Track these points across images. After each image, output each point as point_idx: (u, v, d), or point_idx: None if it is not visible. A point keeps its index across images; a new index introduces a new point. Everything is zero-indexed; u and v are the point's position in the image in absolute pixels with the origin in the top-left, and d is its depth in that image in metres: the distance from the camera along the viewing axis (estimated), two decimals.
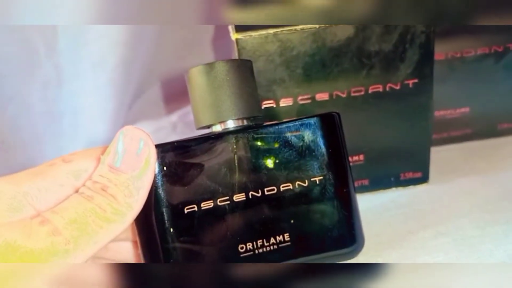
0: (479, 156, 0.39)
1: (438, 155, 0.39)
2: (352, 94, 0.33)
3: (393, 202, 0.34)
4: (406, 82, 0.33)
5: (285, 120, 0.27)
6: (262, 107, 0.32)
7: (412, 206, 0.33)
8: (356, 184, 0.35)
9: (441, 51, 0.39)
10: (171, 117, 0.51)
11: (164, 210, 0.25)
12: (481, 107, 0.41)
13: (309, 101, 0.33)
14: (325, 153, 0.27)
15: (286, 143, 0.27)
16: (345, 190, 0.27)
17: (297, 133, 0.27)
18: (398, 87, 0.33)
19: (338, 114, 0.28)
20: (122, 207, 0.23)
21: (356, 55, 0.32)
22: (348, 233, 0.27)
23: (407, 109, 0.34)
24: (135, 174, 0.23)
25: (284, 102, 0.33)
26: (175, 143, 0.25)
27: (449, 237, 0.29)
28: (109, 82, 0.44)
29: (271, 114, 0.33)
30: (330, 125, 0.27)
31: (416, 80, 0.33)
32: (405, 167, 0.36)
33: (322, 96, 0.33)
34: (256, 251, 0.26)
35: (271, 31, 0.31)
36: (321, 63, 0.32)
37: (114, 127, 0.46)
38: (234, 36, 0.31)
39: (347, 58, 0.32)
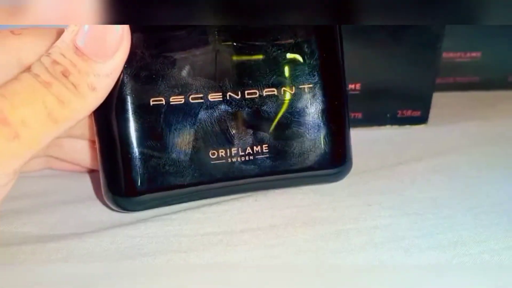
0: (484, 104, 0.36)
1: (441, 99, 0.36)
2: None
3: (386, 137, 0.31)
4: None
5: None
6: None
7: (408, 142, 0.30)
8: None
9: None
10: None
11: (128, 100, 0.22)
12: (493, 54, 0.37)
13: None
14: (318, 58, 0.23)
15: (276, 44, 0.23)
16: (336, 103, 0.24)
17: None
18: None
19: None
20: (82, 102, 0.19)
21: None
22: (335, 152, 0.24)
23: (415, 43, 0.30)
24: (104, 63, 0.20)
25: None
26: (146, 28, 0.22)
27: (443, 174, 0.27)
28: None
29: None
30: (328, 32, 0.24)
31: None
32: (404, 104, 0.32)
33: None
34: (229, 160, 0.23)
35: None
36: None
37: None
38: None
39: None
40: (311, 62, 0.23)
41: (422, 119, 0.33)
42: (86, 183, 0.26)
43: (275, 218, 0.23)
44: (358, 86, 0.32)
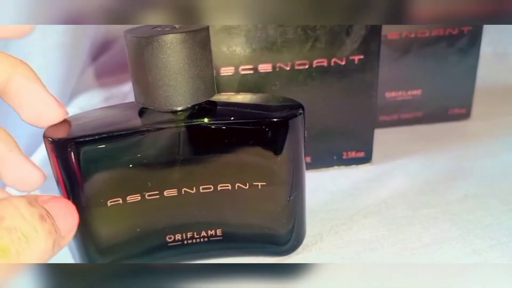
0: (426, 140, 0.39)
1: (386, 136, 0.39)
2: (296, 67, 0.32)
3: (332, 180, 0.33)
4: (352, 57, 0.32)
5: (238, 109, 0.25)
6: None
7: (350, 185, 0.33)
8: None
9: (396, 30, 0.38)
10: (123, 87, 0.49)
11: (85, 204, 0.23)
12: (433, 90, 0.40)
13: (251, 71, 0.32)
14: (273, 158, 0.24)
15: (233, 139, 0.23)
16: (289, 199, 0.25)
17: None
18: (343, 63, 0.32)
19: (302, 108, 0.24)
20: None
21: (301, 26, 0.31)
22: (285, 236, 0.26)
23: (352, 86, 0.33)
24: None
25: (225, 72, 0.31)
26: (99, 136, 0.22)
27: (379, 216, 0.29)
28: (58, 45, 0.42)
29: None
30: (291, 125, 0.23)
31: (361, 57, 0.32)
32: (348, 145, 0.35)
33: (264, 68, 0.32)
34: (185, 242, 0.25)
35: None
36: (264, 32, 0.31)
37: (63, 94, 0.45)
38: None
39: (291, 29, 0.31)
40: (268, 160, 0.24)
41: (366, 159, 0.35)
42: None
43: None
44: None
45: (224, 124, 0.23)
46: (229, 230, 0.25)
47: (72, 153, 0.22)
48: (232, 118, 0.23)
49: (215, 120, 0.23)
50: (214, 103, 0.25)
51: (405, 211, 0.29)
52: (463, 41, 0.39)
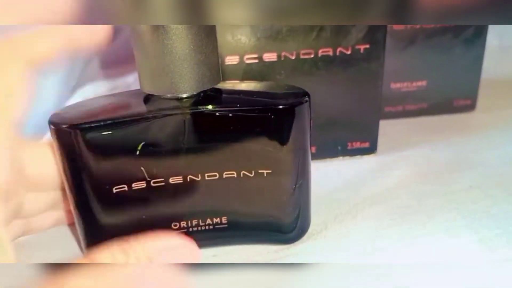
0: (431, 131, 0.38)
1: (391, 127, 0.39)
2: (301, 57, 0.32)
3: (337, 170, 0.33)
4: (357, 47, 0.32)
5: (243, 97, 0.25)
6: None
7: (355, 175, 0.33)
8: None
9: None
10: (127, 78, 0.49)
11: (90, 191, 0.23)
12: (438, 81, 0.40)
13: (256, 61, 0.32)
14: (278, 146, 0.23)
15: (239, 127, 0.23)
16: (294, 187, 0.25)
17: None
18: (348, 52, 0.32)
19: (308, 96, 0.24)
20: None
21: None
22: (290, 224, 0.26)
23: (357, 76, 0.33)
24: None
25: (230, 61, 0.31)
26: (104, 122, 0.22)
27: (385, 205, 0.29)
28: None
29: None
30: (295, 115, 0.23)
31: (367, 46, 0.32)
32: (353, 136, 0.35)
33: (269, 57, 0.32)
34: (190, 229, 0.25)
35: None
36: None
37: (67, 85, 0.45)
38: None
39: None
40: (273, 148, 0.24)
41: (371, 149, 0.35)
42: None
43: None
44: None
45: (230, 111, 0.23)
46: (234, 218, 0.25)
47: (77, 140, 0.22)
48: (237, 105, 0.23)
49: (221, 107, 0.23)
50: (220, 91, 0.24)
51: (410, 200, 0.29)
52: (468, 32, 0.38)
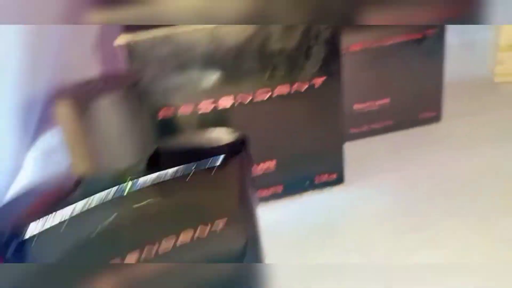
0: (399, 149, 0.38)
1: (358, 150, 0.38)
2: (257, 98, 0.31)
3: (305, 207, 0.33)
4: (313, 80, 0.31)
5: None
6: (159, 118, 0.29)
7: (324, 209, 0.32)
8: (269, 192, 0.33)
9: (358, 41, 0.37)
10: None
11: None
12: (401, 97, 0.39)
13: (211, 107, 0.30)
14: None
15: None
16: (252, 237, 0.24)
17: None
18: (305, 86, 0.31)
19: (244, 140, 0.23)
20: None
21: (257, 55, 0.29)
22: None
23: (316, 109, 0.32)
24: None
25: (183, 111, 0.30)
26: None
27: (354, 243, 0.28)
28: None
29: (170, 125, 0.30)
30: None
31: (323, 78, 0.31)
32: (319, 169, 0.34)
33: (224, 103, 0.30)
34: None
35: (160, 33, 0.28)
36: (221, 65, 0.29)
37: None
38: (119, 40, 0.28)
39: (248, 59, 0.29)
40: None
41: (338, 181, 0.34)
42: None
43: None
44: (273, 163, 0.33)
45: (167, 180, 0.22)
46: None
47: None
48: (173, 171, 0.22)
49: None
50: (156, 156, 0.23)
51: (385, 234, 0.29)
52: (426, 43, 0.38)
